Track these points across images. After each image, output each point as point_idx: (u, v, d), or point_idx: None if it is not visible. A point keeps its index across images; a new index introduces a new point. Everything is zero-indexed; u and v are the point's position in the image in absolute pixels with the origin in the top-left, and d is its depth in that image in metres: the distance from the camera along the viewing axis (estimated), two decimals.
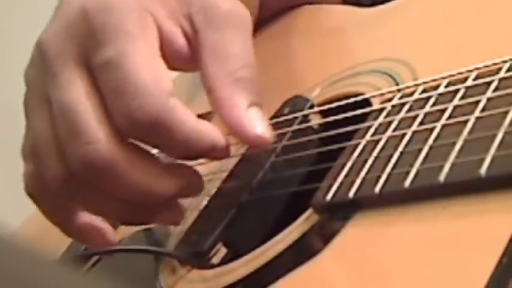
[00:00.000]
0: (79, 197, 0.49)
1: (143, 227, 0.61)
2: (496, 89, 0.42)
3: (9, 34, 1.17)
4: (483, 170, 0.38)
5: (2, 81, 1.08)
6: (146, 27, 0.48)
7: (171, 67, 0.49)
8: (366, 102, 0.51)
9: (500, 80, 0.42)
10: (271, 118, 0.57)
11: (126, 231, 0.61)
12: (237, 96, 0.48)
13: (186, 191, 0.50)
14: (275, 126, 0.56)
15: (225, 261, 0.51)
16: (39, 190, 0.52)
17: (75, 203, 0.51)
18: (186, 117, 0.47)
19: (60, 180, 0.48)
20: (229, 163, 0.57)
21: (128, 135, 0.47)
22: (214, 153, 0.48)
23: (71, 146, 0.47)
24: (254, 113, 0.48)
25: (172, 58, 0.49)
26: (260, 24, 0.69)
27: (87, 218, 0.53)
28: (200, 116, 0.61)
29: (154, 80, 0.46)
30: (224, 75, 0.48)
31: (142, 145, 0.49)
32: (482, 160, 0.38)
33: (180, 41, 0.50)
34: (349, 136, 0.49)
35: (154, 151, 0.51)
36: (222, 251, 0.51)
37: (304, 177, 0.52)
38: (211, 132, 0.47)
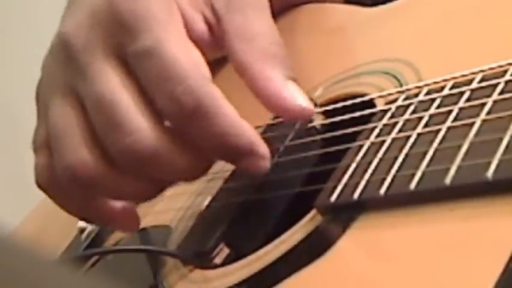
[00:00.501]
0: (108, 186, 0.49)
1: (143, 226, 0.61)
2: (502, 91, 0.42)
3: (9, 34, 1.17)
4: (490, 173, 0.37)
5: (2, 81, 1.08)
6: (173, 13, 0.48)
7: None
8: (370, 103, 0.51)
9: (507, 82, 0.42)
10: (273, 118, 0.57)
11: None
12: (273, 70, 0.48)
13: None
14: (278, 126, 0.56)
15: (227, 261, 0.51)
16: (53, 181, 0.51)
17: (98, 192, 0.51)
18: (227, 107, 0.47)
19: (87, 169, 0.48)
20: None
21: (171, 121, 0.47)
22: (252, 159, 0.47)
23: (112, 137, 0.47)
24: (293, 85, 0.48)
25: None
26: None
27: (108, 202, 0.53)
28: None
29: (193, 65, 0.47)
30: (256, 52, 0.48)
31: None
32: (488, 163, 0.38)
33: (201, 27, 0.50)
34: (352, 137, 0.49)
35: None
36: (225, 251, 0.51)
37: (307, 178, 0.52)
38: (251, 132, 0.47)
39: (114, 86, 0.47)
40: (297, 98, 0.47)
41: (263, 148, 0.48)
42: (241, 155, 0.47)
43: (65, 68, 0.50)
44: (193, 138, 0.48)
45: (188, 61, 0.46)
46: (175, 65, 0.46)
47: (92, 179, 0.49)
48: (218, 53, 0.50)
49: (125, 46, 0.48)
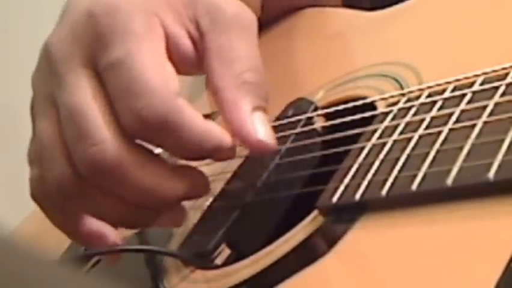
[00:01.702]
0: (83, 200, 0.49)
1: None
2: (504, 93, 0.42)
3: (9, 34, 1.17)
4: (491, 174, 0.38)
5: (2, 81, 1.08)
6: (153, 28, 0.48)
7: (177, 71, 0.49)
8: (371, 106, 0.52)
9: (508, 85, 0.43)
10: (275, 120, 0.57)
11: (127, 230, 0.61)
12: (242, 99, 0.48)
13: (192, 193, 0.50)
14: (279, 128, 0.56)
15: (228, 262, 0.51)
16: (43, 194, 0.52)
17: (78, 207, 0.51)
18: (194, 118, 0.47)
19: (66, 182, 0.49)
20: (233, 164, 0.57)
21: (136, 135, 0.47)
22: (220, 153, 0.48)
23: (77, 147, 0.47)
24: (258, 117, 0.48)
25: (177, 61, 0.49)
26: (262, 26, 0.70)
27: (91, 223, 0.53)
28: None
29: (161, 80, 0.46)
30: (230, 78, 0.48)
31: (149, 146, 0.49)
32: (490, 164, 0.38)
33: (186, 43, 0.50)
34: (353, 139, 0.49)
35: (158, 150, 0.51)
36: (226, 251, 0.51)
37: (309, 179, 0.52)
38: (218, 132, 0.48)
39: (84, 97, 0.47)
40: (257, 130, 0.48)
41: (229, 142, 0.48)
42: (210, 154, 0.48)
43: (46, 79, 0.50)
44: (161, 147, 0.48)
45: (157, 75, 0.46)
46: (141, 79, 0.46)
47: (72, 192, 0.49)
48: (203, 70, 0.50)
49: (98, 57, 0.48)
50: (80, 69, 0.48)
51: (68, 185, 0.49)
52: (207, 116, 0.59)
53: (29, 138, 0.54)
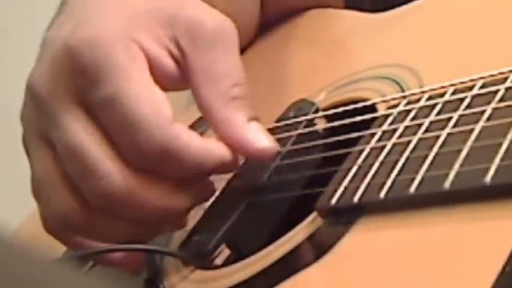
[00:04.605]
0: (91, 230, 0.51)
1: None
2: (502, 98, 0.42)
3: (9, 34, 1.17)
4: (488, 178, 0.38)
5: (2, 81, 1.08)
6: (134, 57, 0.48)
7: (163, 88, 0.49)
8: (371, 108, 0.52)
9: (507, 89, 0.43)
10: (277, 121, 0.58)
11: None
12: (236, 115, 0.49)
13: (199, 201, 0.51)
14: (280, 129, 0.56)
15: (228, 262, 0.51)
16: (56, 228, 0.53)
17: (87, 236, 0.53)
18: (192, 141, 0.48)
19: (73, 215, 0.50)
20: None
21: (138, 166, 0.48)
22: (223, 167, 0.49)
23: (86, 183, 0.48)
24: (255, 126, 0.49)
25: (162, 81, 0.49)
26: (262, 27, 0.70)
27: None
28: (200, 119, 0.61)
29: (154, 111, 0.47)
30: (218, 96, 0.49)
31: None
32: (487, 168, 0.38)
33: (168, 63, 0.50)
34: (353, 141, 0.49)
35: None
36: (226, 252, 0.52)
37: (309, 181, 0.52)
38: (218, 148, 0.49)
39: (80, 133, 0.48)
40: (259, 139, 0.49)
41: (229, 155, 0.49)
42: (214, 170, 0.50)
43: (36, 116, 0.51)
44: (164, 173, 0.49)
45: (150, 106, 0.47)
46: (135, 113, 0.47)
47: (80, 224, 0.50)
48: (188, 86, 0.51)
49: (88, 94, 0.48)
50: (70, 106, 0.49)
51: (76, 217, 0.50)
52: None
53: None
